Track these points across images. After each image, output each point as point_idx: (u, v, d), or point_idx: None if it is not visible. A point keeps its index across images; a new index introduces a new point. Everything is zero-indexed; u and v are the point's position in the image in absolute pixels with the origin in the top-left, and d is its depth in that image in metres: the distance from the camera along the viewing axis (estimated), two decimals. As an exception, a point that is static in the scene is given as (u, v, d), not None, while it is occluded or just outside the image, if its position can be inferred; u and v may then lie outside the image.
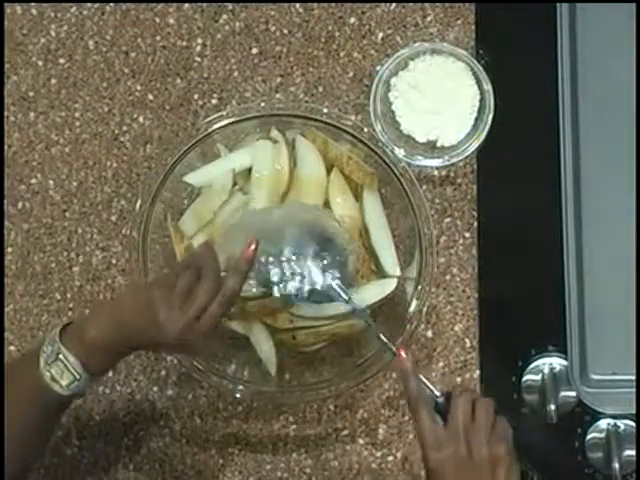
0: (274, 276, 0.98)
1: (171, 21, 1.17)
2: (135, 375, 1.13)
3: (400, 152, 1.09)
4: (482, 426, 0.90)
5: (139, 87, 1.16)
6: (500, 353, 1.11)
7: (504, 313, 1.11)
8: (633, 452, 1.07)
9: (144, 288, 0.94)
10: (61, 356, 0.89)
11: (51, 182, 1.15)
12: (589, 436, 1.09)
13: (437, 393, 0.94)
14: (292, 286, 0.99)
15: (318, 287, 0.99)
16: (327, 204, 1.07)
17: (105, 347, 0.91)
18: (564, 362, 1.09)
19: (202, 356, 1.01)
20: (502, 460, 0.89)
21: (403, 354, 0.95)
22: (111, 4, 1.17)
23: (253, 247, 0.94)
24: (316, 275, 0.99)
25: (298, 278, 0.99)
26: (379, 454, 1.11)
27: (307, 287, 0.99)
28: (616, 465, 1.06)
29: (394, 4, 1.16)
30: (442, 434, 0.90)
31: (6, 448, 0.89)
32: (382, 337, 0.99)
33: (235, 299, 0.93)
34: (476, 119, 1.11)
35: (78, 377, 0.90)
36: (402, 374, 0.94)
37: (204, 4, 1.17)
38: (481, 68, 1.11)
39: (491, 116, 1.10)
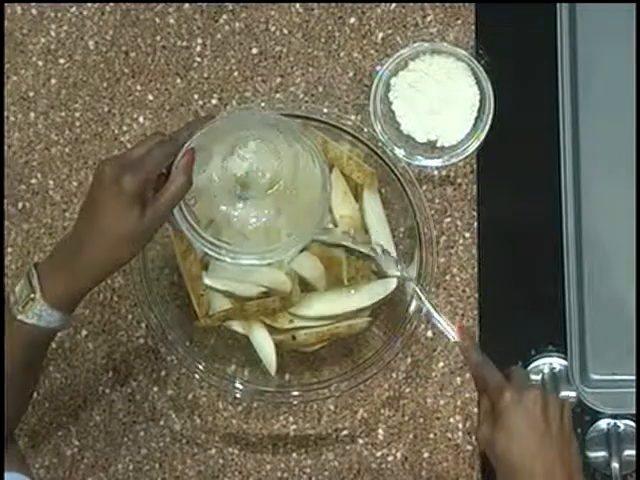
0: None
1: (171, 21, 1.17)
2: (135, 375, 1.13)
3: (400, 152, 1.09)
4: (555, 419, 0.89)
5: (139, 87, 1.16)
6: (500, 353, 1.11)
7: (504, 313, 1.11)
8: (633, 452, 1.07)
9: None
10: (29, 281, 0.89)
11: (51, 182, 1.15)
12: (589, 436, 1.09)
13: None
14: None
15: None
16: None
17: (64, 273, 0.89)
18: (564, 362, 1.09)
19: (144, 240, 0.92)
20: (574, 443, 0.90)
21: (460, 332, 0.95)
22: (111, 4, 1.17)
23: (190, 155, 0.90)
24: None
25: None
26: (379, 454, 1.11)
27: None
28: (616, 465, 1.06)
29: (394, 4, 1.16)
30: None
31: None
32: (432, 310, 0.99)
33: (187, 185, 0.89)
34: (476, 119, 1.11)
35: (32, 296, 0.88)
36: (463, 349, 0.94)
37: (204, 4, 1.17)
38: (481, 68, 1.11)
39: (491, 116, 1.10)
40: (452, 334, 0.95)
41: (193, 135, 0.90)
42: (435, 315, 0.98)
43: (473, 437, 1.10)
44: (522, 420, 0.88)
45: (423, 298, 1.00)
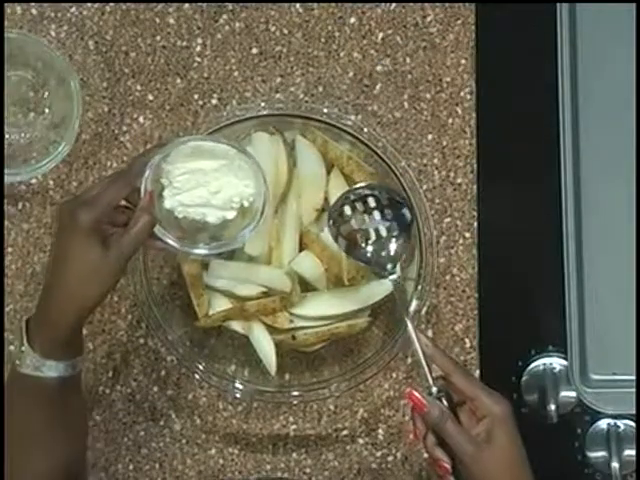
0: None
1: (171, 21, 1.17)
2: (135, 375, 1.13)
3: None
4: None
5: (139, 87, 1.16)
6: (500, 353, 1.11)
7: (504, 313, 1.11)
8: (633, 452, 1.07)
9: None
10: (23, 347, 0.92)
11: (51, 182, 1.15)
12: (589, 436, 1.09)
13: None
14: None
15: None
16: (327, 204, 1.07)
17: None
18: (564, 362, 1.09)
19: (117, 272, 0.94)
20: None
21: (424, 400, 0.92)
22: (111, 4, 1.17)
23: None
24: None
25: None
26: (379, 454, 1.11)
27: None
28: (616, 465, 1.06)
29: (394, 4, 1.16)
30: None
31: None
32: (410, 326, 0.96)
33: (149, 226, 0.93)
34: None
35: (22, 348, 0.91)
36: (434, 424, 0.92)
37: (204, 4, 1.17)
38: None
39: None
40: (430, 381, 0.93)
41: (146, 166, 0.93)
42: (422, 360, 0.94)
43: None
44: (514, 429, 0.91)
45: (413, 336, 0.95)
